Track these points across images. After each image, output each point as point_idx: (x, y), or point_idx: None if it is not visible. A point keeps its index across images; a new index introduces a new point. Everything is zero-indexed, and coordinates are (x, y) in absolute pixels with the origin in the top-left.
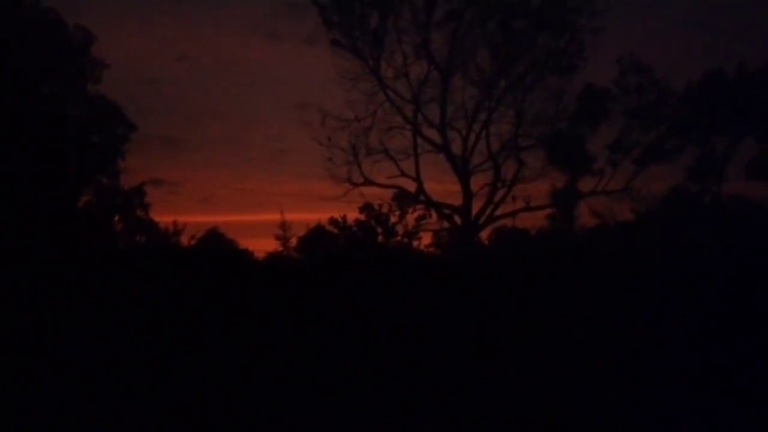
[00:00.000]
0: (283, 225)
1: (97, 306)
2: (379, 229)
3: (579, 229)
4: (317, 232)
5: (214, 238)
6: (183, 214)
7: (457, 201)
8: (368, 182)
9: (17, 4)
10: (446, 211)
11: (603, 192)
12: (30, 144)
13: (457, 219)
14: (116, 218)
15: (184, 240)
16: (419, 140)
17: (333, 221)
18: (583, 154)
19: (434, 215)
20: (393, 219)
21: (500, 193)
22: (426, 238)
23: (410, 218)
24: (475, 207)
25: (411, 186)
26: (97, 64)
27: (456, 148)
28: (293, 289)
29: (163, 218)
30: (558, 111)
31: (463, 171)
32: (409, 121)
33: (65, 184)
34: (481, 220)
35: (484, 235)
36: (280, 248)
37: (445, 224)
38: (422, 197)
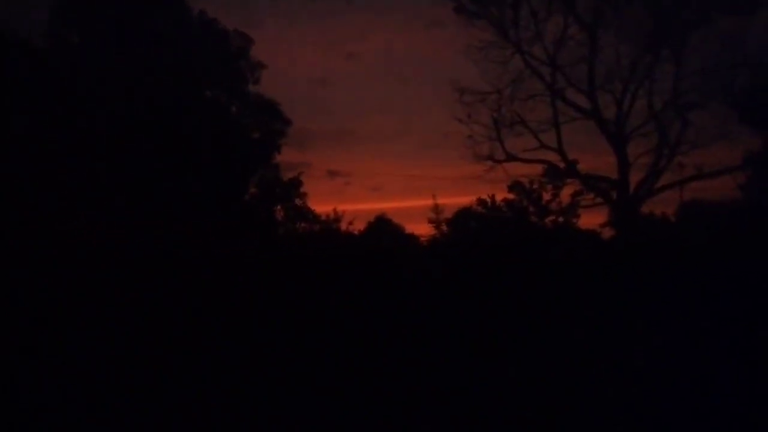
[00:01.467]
0: (436, 208)
1: (266, 288)
2: (532, 208)
3: None
4: (464, 213)
5: (381, 223)
6: (356, 202)
7: (611, 173)
8: (511, 158)
9: (186, 18)
10: (601, 185)
11: None
12: (197, 143)
13: (613, 193)
14: (278, 208)
15: (343, 226)
16: (565, 107)
17: (481, 202)
18: None
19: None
20: (546, 197)
21: (664, 161)
22: (585, 217)
23: (564, 195)
24: (633, 179)
25: (557, 159)
26: (256, 66)
27: (608, 112)
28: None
29: (337, 207)
30: (736, 59)
31: (618, 138)
32: (551, 87)
33: (232, 180)
34: (640, 191)
35: (663, 210)
36: (434, 231)
37: (598, 199)
38: (575, 170)
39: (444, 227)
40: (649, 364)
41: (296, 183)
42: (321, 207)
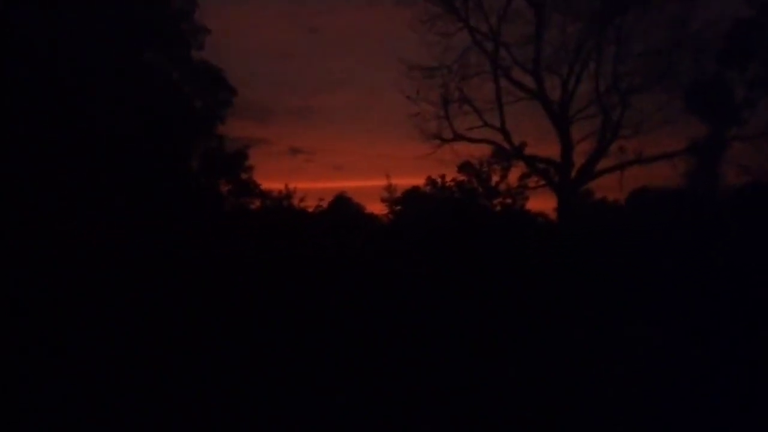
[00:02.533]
0: (389, 188)
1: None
2: (481, 190)
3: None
4: (413, 194)
5: (340, 202)
6: (318, 180)
7: (554, 155)
8: (458, 137)
9: None
10: (541, 166)
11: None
12: (136, 109)
13: (555, 176)
14: (222, 181)
15: (296, 203)
16: (511, 87)
17: (431, 182)
18: (723, 93)
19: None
20: (494, 178)
21: (606, 145)
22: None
23: (511, 177)
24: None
25: (503, 139)
26: (199, 29)
27: (553, 94)
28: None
29: (299, 185)
30: (682, 44)
31: (562, 120)
32: (495, 64)
33: (173, 148)
34: (581, 175)
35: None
36: (387, 211)
37: (541, 182)
38: (521, 152)
39: (395, 207)
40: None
41: (242, 156)
42: (281, 184)
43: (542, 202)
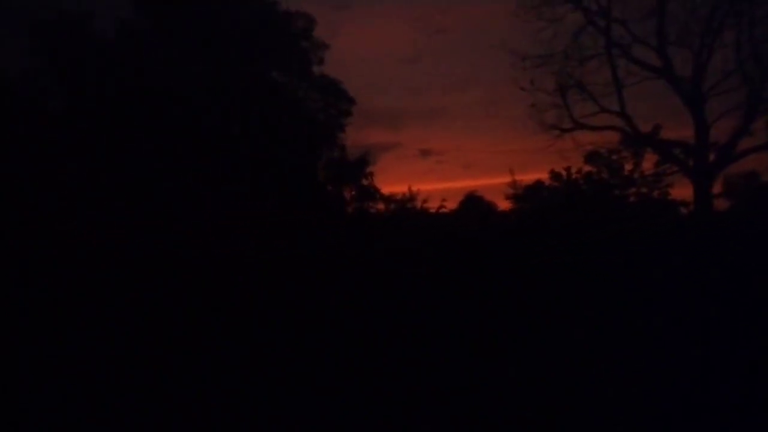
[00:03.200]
0: (514, 184)
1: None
2: (612, 180)
3: None
4: (534, 188)
5: (471, 201)
6: (449, 180)
7: (684, 136)
8: (578, 126)
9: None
10: (677, 152)
11: None
12: (261, 125)
13: (689, 161)
14: (346, 188)
15: (418, 204)
16: (633, 67)
17: (554, 175)
18: None
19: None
20: (628, 167)
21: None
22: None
23: (647, 164)
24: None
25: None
26: (319, 46)
27: (682, 70)
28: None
29: (430, 186)
30: None
31: (695, 98)
32: (610, 43)
33: (299, 160)
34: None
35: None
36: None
37: (674, 168)
38: (655, 137)
39: (518, 204)
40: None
41: (363, 163)
42: (413, 186)
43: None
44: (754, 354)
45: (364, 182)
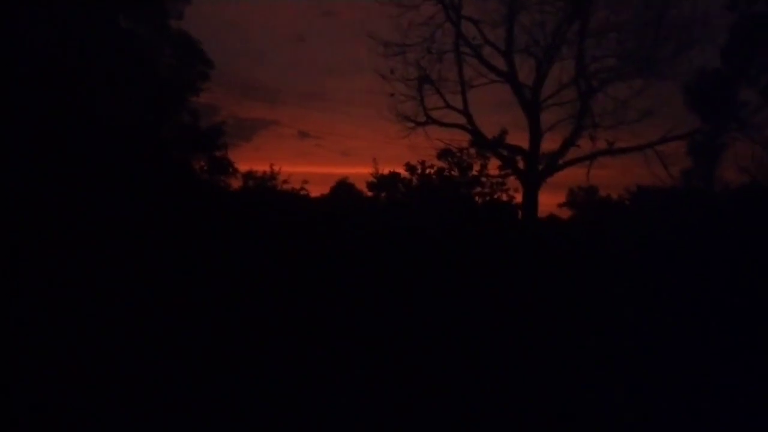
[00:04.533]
0: (375, 174)
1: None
2: (463, 179)
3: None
4: (389, 180)
5: (342, 187)
6: (326, 165)
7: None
8: (430, 121)
9: None
10: (505, 153)
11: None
12: (107, 76)
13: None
14: (196, 157)
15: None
16: (481, 68)
17: (409, 168)
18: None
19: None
20: (476, 167)
21: (578, 134)
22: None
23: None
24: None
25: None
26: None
27: (525, 76)
28: None
29: (304, 169)
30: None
31: (533, 105)
32: (466, 41)
33: (141, 118)
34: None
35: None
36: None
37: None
38: (501, 142)
39: (380, 193)
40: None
41: (217, 131)
42: (289, 167)
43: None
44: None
45: (218, 154)
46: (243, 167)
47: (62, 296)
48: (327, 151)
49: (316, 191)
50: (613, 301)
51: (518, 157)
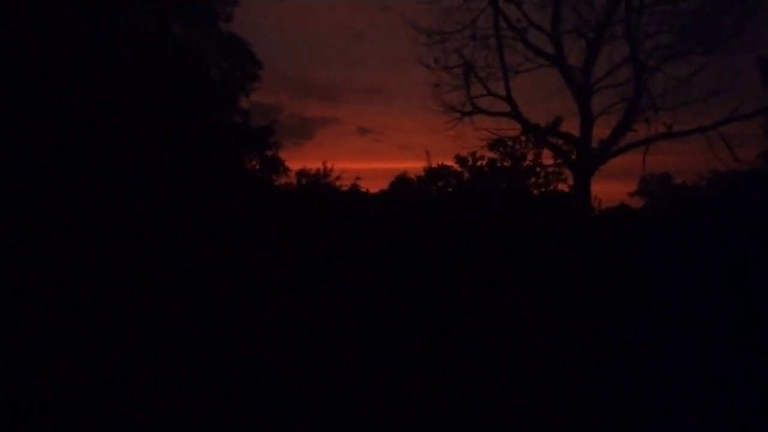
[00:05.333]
0: (427, 167)
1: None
2: (516, 169)
3: None
4: (438, 172)
5: (402, 182)
6: (386, 160)
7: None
8: (477, 110)
9: None
10: (558, 142)
11: None
12: (160, 83)
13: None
14: (250, 158)
15: (332, 181)
16: (527, 52)
17: (459, 160)
18: None
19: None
20: (530, 158)
21: (634, 117)
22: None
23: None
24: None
25: (529, 112)
26: (228, 1)
27: (574, 59)
28: None
29: (365, 165)
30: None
31: (583, 89)
32: (510, 25)
33: (190, 121)
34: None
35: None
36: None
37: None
38: (556, 130)
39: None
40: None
41: (267, 131)
42: (349, 164)
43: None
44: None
45: (269, 153)
46: (305, 165)
47: (85, 293)
48: (386, 146)
49: (375, 187)
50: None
51: (569, 145)
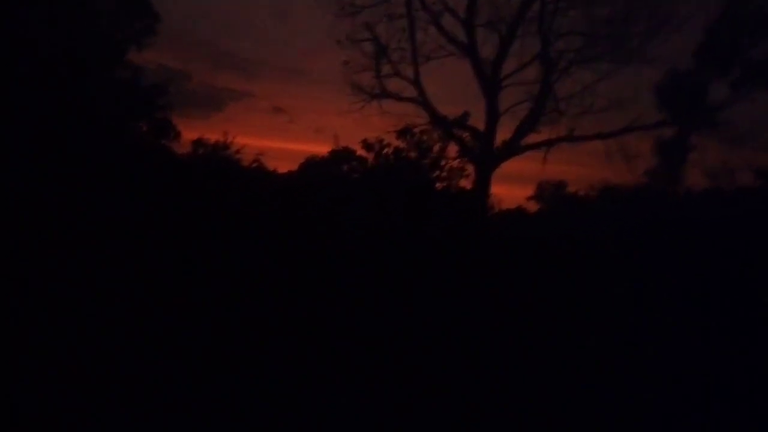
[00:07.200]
0: (335, 150)
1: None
2: (423, 161)
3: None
4: (342, 155)
5: (311, 164)
6: (297, 142)
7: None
8: (385, 94)
9: None
10: (464, 135)
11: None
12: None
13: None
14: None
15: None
16: (440, 39)
17: (366, 145)
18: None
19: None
20: (435, 149)
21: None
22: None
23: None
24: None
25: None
26: None
27: (486, 52)
28: None
29: (274, 144)
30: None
31: (492, 83)
32: (425, 6)
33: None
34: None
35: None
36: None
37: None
38: (463, 122)
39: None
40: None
41: (158, 90)
42: (258, 141)
43: None
44: None
45: (158, 116)
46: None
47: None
48: (300, 128)
49: (284, 168)
50: (568, 299)
51: (475, 140)
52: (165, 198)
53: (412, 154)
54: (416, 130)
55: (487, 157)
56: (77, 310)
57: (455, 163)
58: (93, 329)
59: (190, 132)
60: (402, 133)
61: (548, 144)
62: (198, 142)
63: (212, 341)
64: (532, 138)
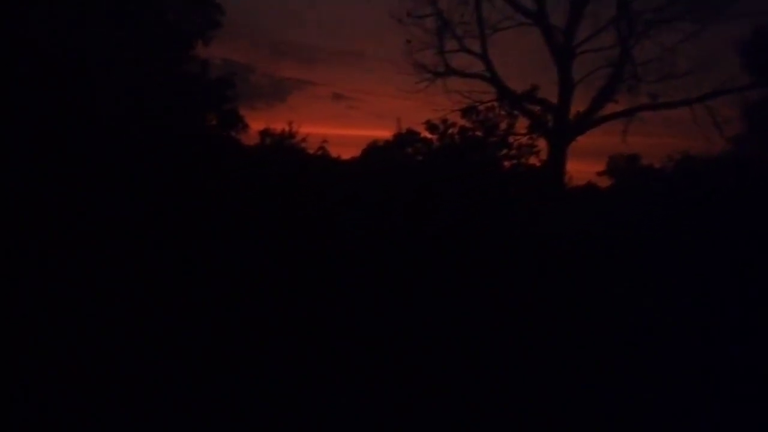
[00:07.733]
0: (398, 134)
1: None
2: (489, 139)
3: None
4: (406, 138)
5: (375, 150)
6: (358, 128)
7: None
8: (451, 71)
9: None
10: (535, 110)
11: None
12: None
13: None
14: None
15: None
16: (507, 10)
17: (430, 126)
18: None
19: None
20: (503, 126)
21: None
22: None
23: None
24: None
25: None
26: None
27: (557, 19)
28: None
29: (336, 131)
30: None
31: (563, 51)
32: None
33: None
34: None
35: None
36: None
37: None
38: (533, 97)
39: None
40: None
41: (225, 83)
42: (321, 129)
43: None
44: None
45: (226, 108)
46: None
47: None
48: (361, 113)
49: (347, 154)
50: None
51: (547, 114)
52: (239, 190)
53: (479, 133)
54: (481, 107)
55: (561, 130)
56: (131, 298)
57: (524, 140)
58: (163, 319)
59: (257, 123)
60: (467, 111)
61: (629, 113)
62: (265, 133)
63: (256, 336)
64: (609, 108)
